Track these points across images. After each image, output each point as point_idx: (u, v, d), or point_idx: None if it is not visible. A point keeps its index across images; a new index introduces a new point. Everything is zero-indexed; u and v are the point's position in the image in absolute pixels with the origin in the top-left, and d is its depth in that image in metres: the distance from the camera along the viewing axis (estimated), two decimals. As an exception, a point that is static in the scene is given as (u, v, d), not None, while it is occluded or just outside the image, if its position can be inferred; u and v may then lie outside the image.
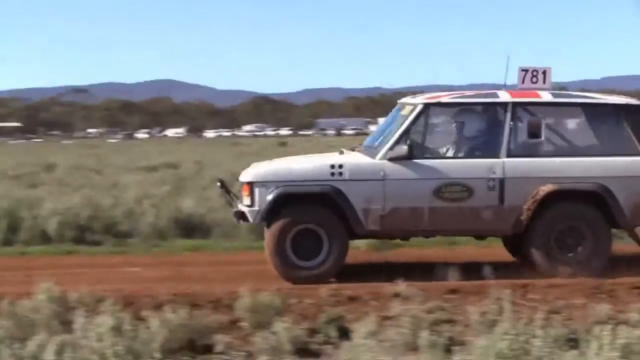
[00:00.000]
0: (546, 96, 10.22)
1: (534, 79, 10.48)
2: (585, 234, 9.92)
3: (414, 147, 9.84)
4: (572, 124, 10.44)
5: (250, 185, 9.85)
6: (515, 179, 9.84)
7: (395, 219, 9.83)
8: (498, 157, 9.89)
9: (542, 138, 10.02)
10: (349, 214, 9.75)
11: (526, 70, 10.46)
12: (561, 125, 10.36)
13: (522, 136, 10.03)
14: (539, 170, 9.90)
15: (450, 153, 10.15)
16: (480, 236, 10.59)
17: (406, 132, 9.95)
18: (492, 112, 10.17)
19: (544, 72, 10.50)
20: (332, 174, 9.79)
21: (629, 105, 10.32)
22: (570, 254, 9.92)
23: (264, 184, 9.82)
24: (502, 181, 9.82)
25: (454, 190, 9.81)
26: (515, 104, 10.07)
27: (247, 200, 9.88)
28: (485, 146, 10.06)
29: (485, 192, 9.82)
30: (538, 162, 9.96)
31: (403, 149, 9.78)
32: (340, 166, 9.83)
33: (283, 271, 9.80)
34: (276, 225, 9.78)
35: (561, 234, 9.93)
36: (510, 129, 9.99)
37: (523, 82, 10.43)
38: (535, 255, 9.88)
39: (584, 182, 9.91)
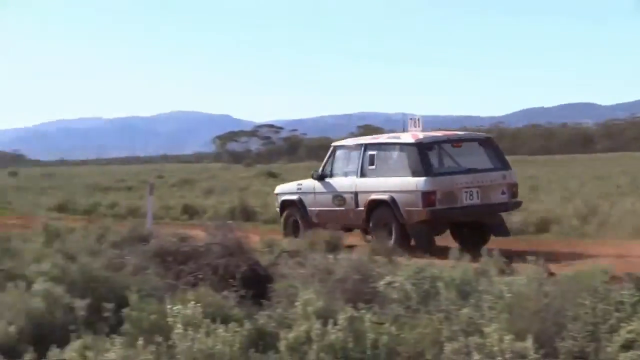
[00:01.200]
0: (381, 138, 16.03)
1: (416, 124, 15.23)
2: (392, 228, 14.90)
3: (326, 172, 16.26)
4: (389, 155, 15.65)
5: (277, 195, 17.48)
6: (361, 192, 15.66)
7: (322, 216, 16.21)
8: (356, 177, 15.60)
9: (374, 166, 15.53)
10: (303, 212, 16.66)
11: (412, 119, 15.29)
12: (384, 156, 15.74)
13: (367, 164, 15.74)
14: (369, 186, 15.62)
15: (342, 175, 16.14)
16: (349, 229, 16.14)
17: (326, 162, 16.51)
18: (361, 149, 16.04)
19: (418, 119, 15.19)
20: (298, 188, 16.62)
21: (407, 143, 15.24)
22: (391, 239, 14.85)
23: (278, 194, 17.35)
24: (356, 193, 15.64)
25: (338, 198, 15.92)
26: (366, 144, 15.98)
27: (277, 204, 17.39)
28: (354, 170, 15.98)
29: (350, 200, 15.75)
30: (370, 180, 15.66)
31: (315, 173, 16.25)
32: (300, 184, 16.78)
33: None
34: (284, 215, 17.16)
35: (386, 226, 15.07)
36: (362, 159, 15.82)
37: (411, 126, 15.31)
38: (373, 241, 14.90)
39: (383, 194, 14.95)
